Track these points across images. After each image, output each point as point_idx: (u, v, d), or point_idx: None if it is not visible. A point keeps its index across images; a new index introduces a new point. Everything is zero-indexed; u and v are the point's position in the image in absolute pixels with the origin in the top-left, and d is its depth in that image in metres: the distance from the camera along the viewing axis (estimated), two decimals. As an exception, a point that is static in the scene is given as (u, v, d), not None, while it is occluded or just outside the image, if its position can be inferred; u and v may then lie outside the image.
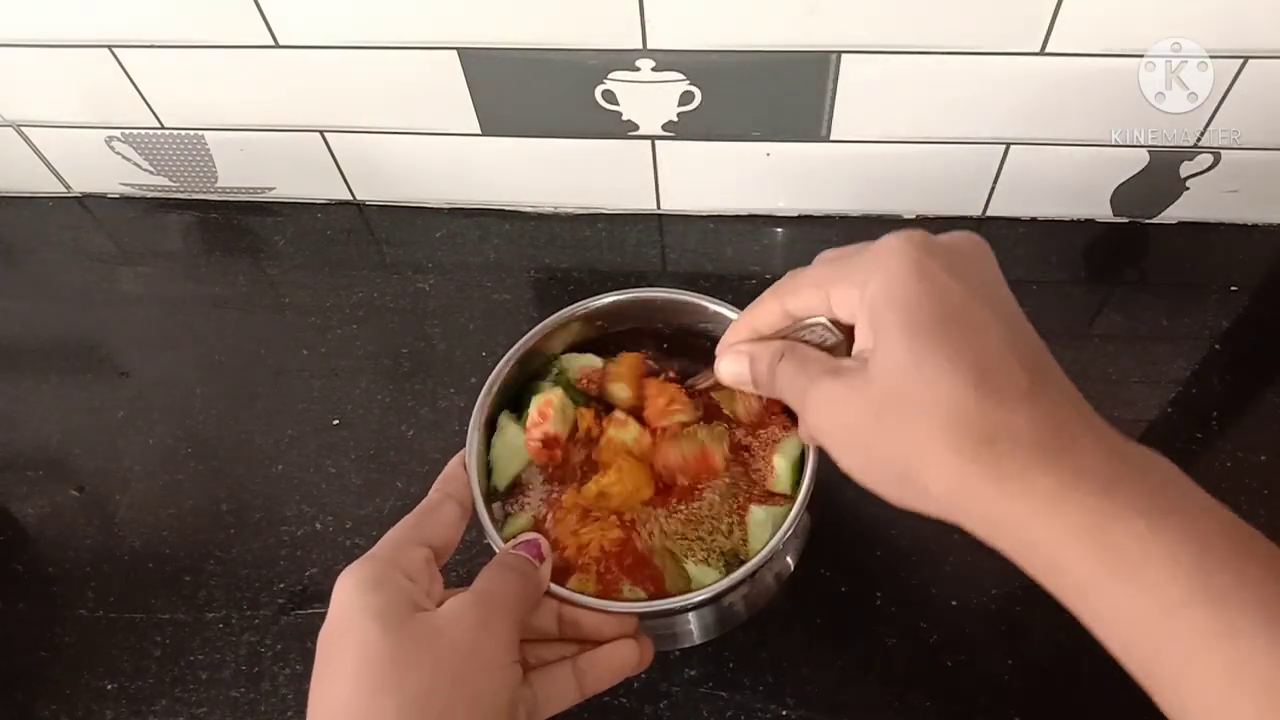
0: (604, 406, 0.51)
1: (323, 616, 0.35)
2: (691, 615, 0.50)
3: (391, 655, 0.34)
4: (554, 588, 0.42)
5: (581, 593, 0.43)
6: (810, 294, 0.36)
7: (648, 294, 0.52)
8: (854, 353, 0.34)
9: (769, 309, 0.38)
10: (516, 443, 0.49)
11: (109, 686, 0.53)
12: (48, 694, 0.53)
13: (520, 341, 0.51)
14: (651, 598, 0.44)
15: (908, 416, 0.30)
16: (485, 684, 0.35)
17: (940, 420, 0.29)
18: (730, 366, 0.40)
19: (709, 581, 0.44)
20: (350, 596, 0.36)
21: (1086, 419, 0.30)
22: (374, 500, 0.59)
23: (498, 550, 0.42)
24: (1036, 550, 0.29)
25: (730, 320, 0.44)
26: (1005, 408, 0.29)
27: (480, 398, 0.49)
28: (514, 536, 0.43)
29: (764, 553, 0.43)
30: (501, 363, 0.50)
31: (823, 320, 0.36)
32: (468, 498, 0.43)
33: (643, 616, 0.43)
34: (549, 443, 0.48)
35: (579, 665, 0.40)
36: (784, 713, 0.50)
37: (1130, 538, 0.27)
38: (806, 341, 0.37)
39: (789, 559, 0.53)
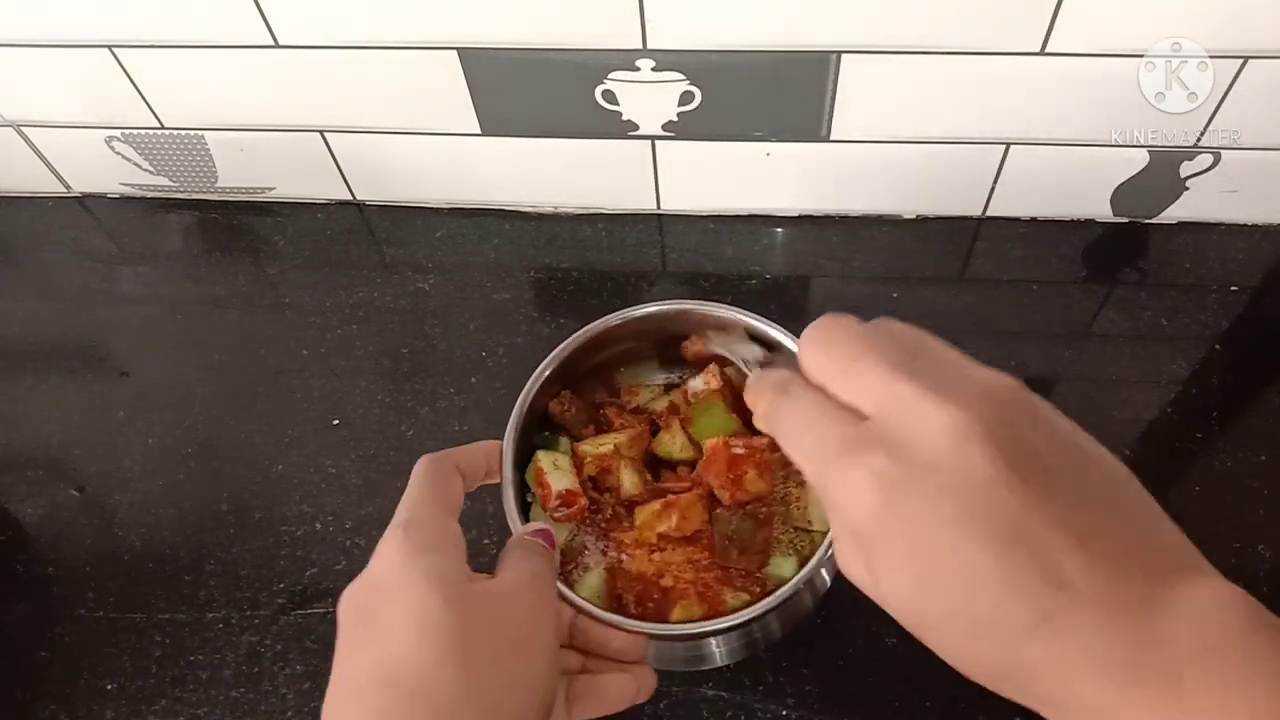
0: (596, 416, 0.51)
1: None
2: (720, 638, 0.49)
3: (454, 623, 0.32)
4: (567, 593, 0.41)
5: (686, 620, 0.43)
6: (844, 383, 0.29)
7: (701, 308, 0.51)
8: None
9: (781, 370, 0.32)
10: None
11: (109, 686, 0.54)
12: (48, 694, 0.53)
13: (570, 339, 0.50)
14: (753, 599, 0.44)
15: (967, 548, 0.25)
16: (538, 662, 0.35)
17: (1013, 556, 0.25)
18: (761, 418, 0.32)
19: (789, 574, 0.44)
20: (399, 557, 0.34)
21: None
22: (374, 500, 0.59)
23: (515, 533, 0.42)
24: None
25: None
26: (1095, 557, 0.24)
27: (524, 392, 0.48)
28: (588, 598, 0.43)
29: (795, 580, 0.43)
30: (556, 352, 0.50)
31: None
32: (474, 475, 0.42)
33: (655, 638, 0.43)
34: (568, 499, 0.47)
35: (573, 687, 0.39)
36: (784, 713, 0.50)
37: None
38: None
39: (825, 574, 0.50)
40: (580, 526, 0.48)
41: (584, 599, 0.42)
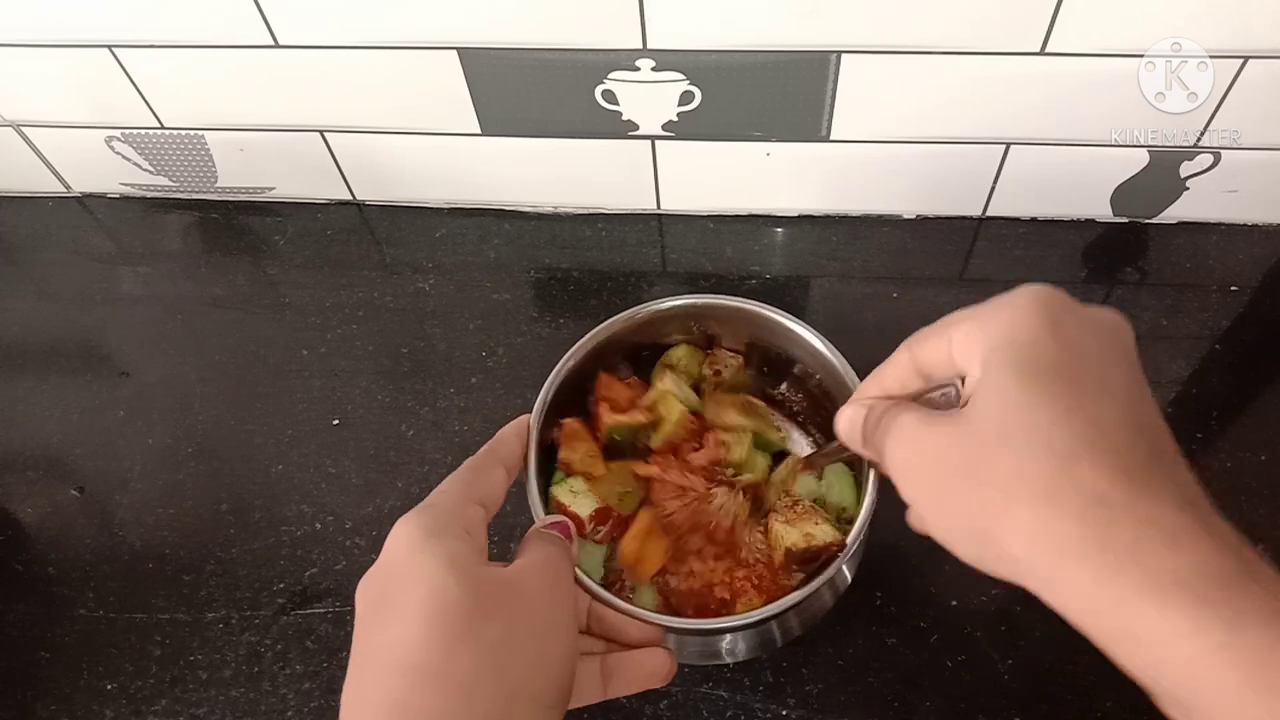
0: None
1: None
2: (740, 635, 0.49)
3: (469, 604, 0.33)
4: (584, 579, 0.41)
5: (747, 609, 0.43)
6: (934, 340, 0.32)
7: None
8: (961, 400, 0.31)
9: (898, 362, 0.35)
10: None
11: (109, 686, 0.53)
12: (48, 694, 0.53)
13: (592, 333, 0.50)
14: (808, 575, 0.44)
15: (1005, 460, 0.27)
16: (555, 645, 0.35)
17: (1043, 470, 0.27)
18: (847, 416, 0.36)
19: (828, 538, 0.45)
20: (415, 542, 0.34)
21: (1208, 513, 0.27)
22: (374, 500, 0.59)
23: (538, 521, 0.42)
24: (1138, 642, 0.26)
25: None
26: (1125, 474, 0.26)
27: (550, 378, 0.48)
28: (645, 606, 0.43)
29: (817, 582, 0.42)
30: (577, 346, 0.49)
31: (955, 385, 0.32)
32: (516, 464, 0.42)
33: (676, 632, 0.43)
34: (600, 518, 0.47)
35: (608, 663, 0.39)
36: (784, 713, 0.50)
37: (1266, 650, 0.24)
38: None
39: (846, 572, 0.49)
40: (613, 548, 0.47)
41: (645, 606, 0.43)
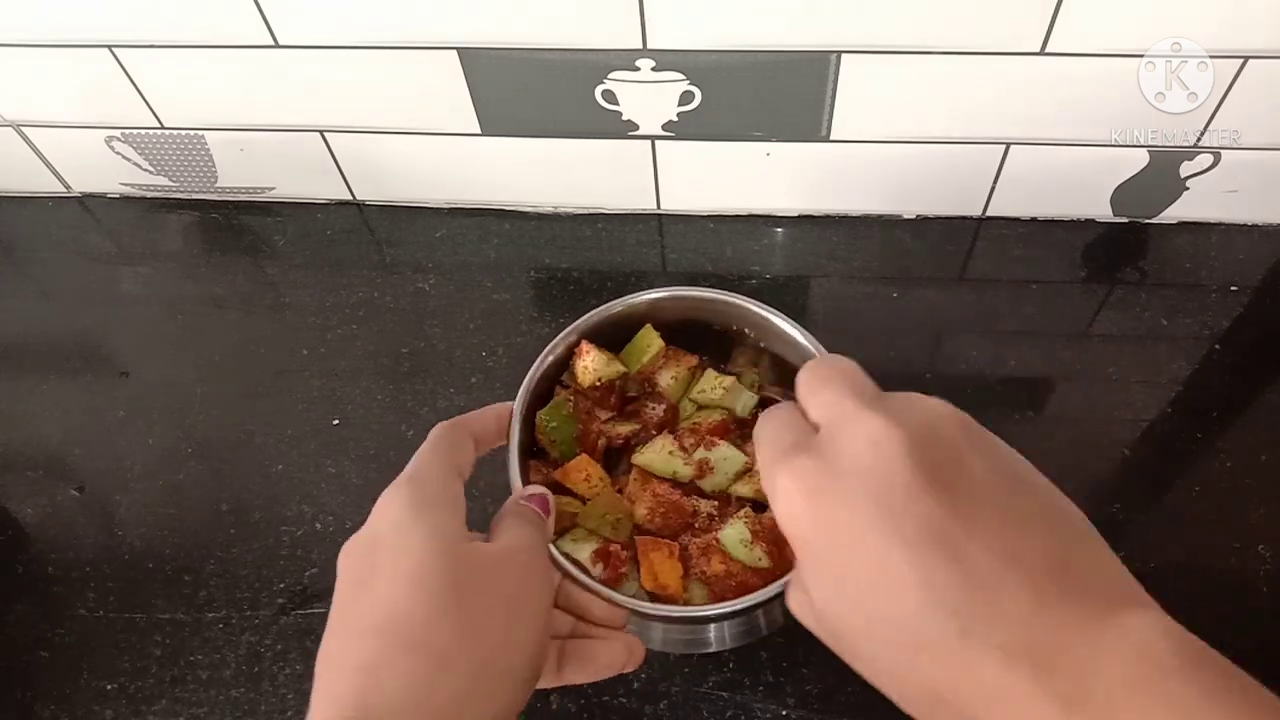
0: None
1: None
2: (714, 626, 0.49)
3: (452, 578, 0.33)
4: (555, 555, 0.41)
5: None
6: (807, 406, 0.31)
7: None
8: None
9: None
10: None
11: (109, 686, 0.54)
12: (48, 694, 0.53)
13: (575, 324, 0.50)
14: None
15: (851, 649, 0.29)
16: (529, 622, 0.35)
17: (881, 670, 0.28)
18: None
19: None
20: (402, 512, 0.35)
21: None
22: (374, 500, 0.59)
23: (515, 493, 0.42)
24: None
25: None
26: (943, 666, 0.25)
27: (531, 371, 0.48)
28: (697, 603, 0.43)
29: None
30: (555, 341, 0.50)
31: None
32: (487, 439, 0.43)
33: (652, 619, 0.43)
34: (599, 558, 0.45)
35: (565, 649, 0.40)
36: (784, 713, 0.50)
37: None
38: None
39: None
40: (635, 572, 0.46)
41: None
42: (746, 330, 0.52)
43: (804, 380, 0.31)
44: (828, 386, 0.30)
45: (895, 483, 0.26)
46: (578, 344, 0.49)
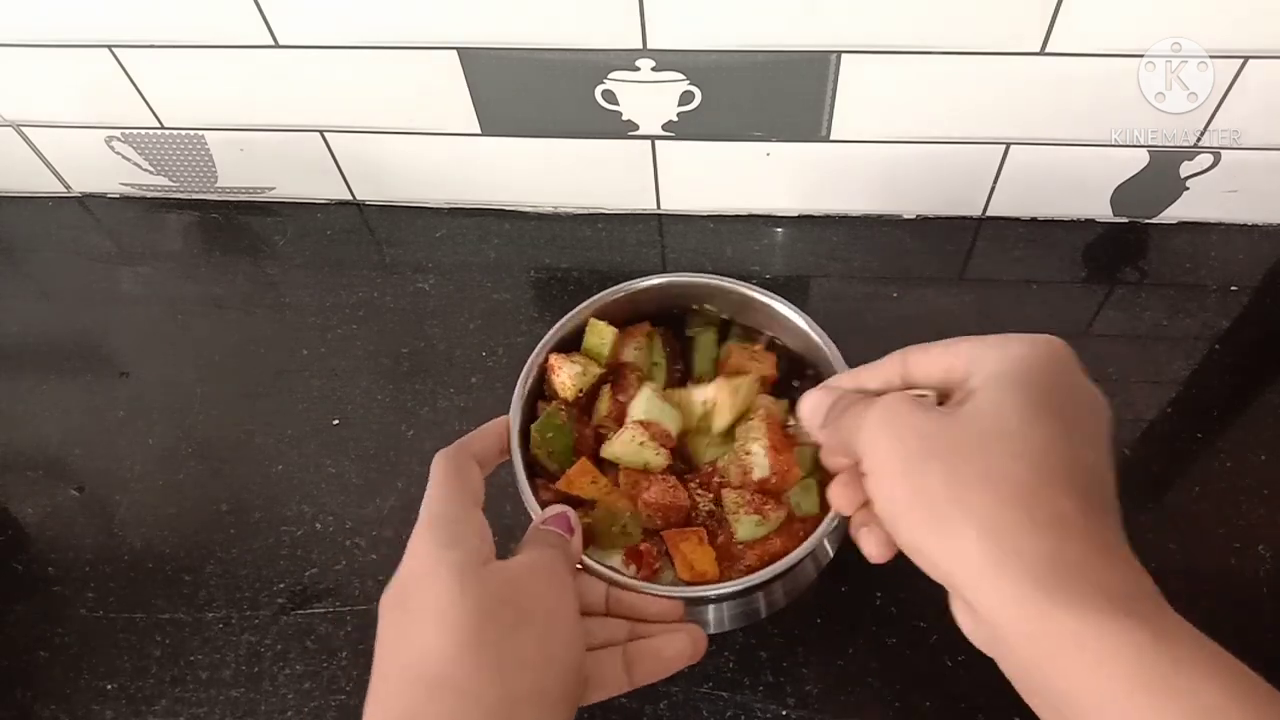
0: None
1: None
2: (726, 605, 0.50)
3: (471, 608, 0.34)
4: (595, 566, 0.42)
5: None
6: (936, 353, 0.35)
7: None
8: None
9: (886, 365, 0.37)
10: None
11: (109, 686, 0.53)
12: (48, 694, 0.53)
13: (564, 319, 0.51)
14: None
15: (990, 456, 0.30)
16: (556, 639, 0.36)
17: (1020, 477, 0.29)
18: (813, 400, 0.38)
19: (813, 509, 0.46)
20: (426, 557, 0.36)
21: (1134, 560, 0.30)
22: (374, 500, 0.59)
23: (535, 519, 0.42)
24: (1049, 645, 0.28)
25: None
26: (1086, 505, 0.29)
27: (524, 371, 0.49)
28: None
29: (801, 549, 0.43)
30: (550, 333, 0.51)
31: (932, 395, 0.34)
32: (489, 459, 0.43)
33: (688, 603, 0.43)
34: (631, 559, 0.46)
35: (629, 653, 0.40)
36: (784, 713, 0.50)
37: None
38: None
39: (828, 546, 0.52)
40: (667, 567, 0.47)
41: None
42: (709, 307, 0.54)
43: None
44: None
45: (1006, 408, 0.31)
46: (546, 361, 0.50)
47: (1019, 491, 0.29)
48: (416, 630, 0.34)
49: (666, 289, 0.54)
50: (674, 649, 0.40)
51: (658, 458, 0.47)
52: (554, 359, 0.50)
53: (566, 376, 0.49)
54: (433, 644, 0.33)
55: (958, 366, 0.34)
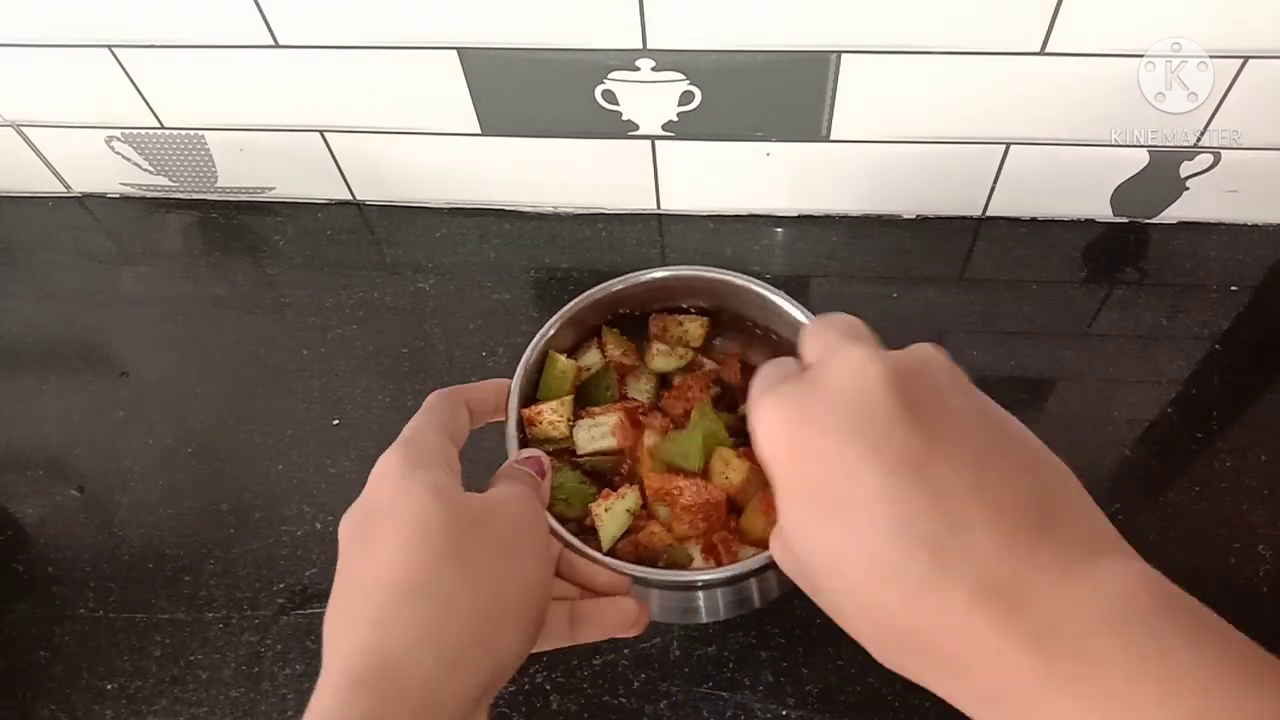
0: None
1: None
2: (704, 594, 0.49)
3: (451, 526, 0.34)
4: (555, 525, 0.42)
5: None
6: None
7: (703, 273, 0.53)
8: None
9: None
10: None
11: (109, 686, 0.54)
12: (48, 694, 0.53)
13: (568, 305, 0.51)
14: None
15: (826, 594, 0.28)
16: (529, 565, 0.36)
17: (846, 609, 0.27)
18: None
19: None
20: (399, 472, 0.36)
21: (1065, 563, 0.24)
22: (374, 500, 0.59)
23: (511, 456, 0.43)
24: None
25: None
26: (908, 600, 0.25)
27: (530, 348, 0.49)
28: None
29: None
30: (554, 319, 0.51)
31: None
32: (481, 412, 0.43)
33: (646, 583, 0.43)
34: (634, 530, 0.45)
35: (576, 609, 0.40)
36: (784, 713, 0.50)
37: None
38: None
39: None
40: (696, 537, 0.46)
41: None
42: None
43: (804, 330, 0.32)
44: (824, 331, 0.30)
45: (876, 408, 0.26)
46: (520, 417, 0.47)
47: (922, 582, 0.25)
48: (390, 542, 0.34)
49: (664, 282, 0.54)
50: (618, 614, 0.40)
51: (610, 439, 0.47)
52: (529, 410, 0.48)
53: (551, 425, 0.47)
54: (409, 555, 0.33)
55: (812, 360, 0.31)
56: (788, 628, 0.53)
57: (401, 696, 0.31)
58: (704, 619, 0.50)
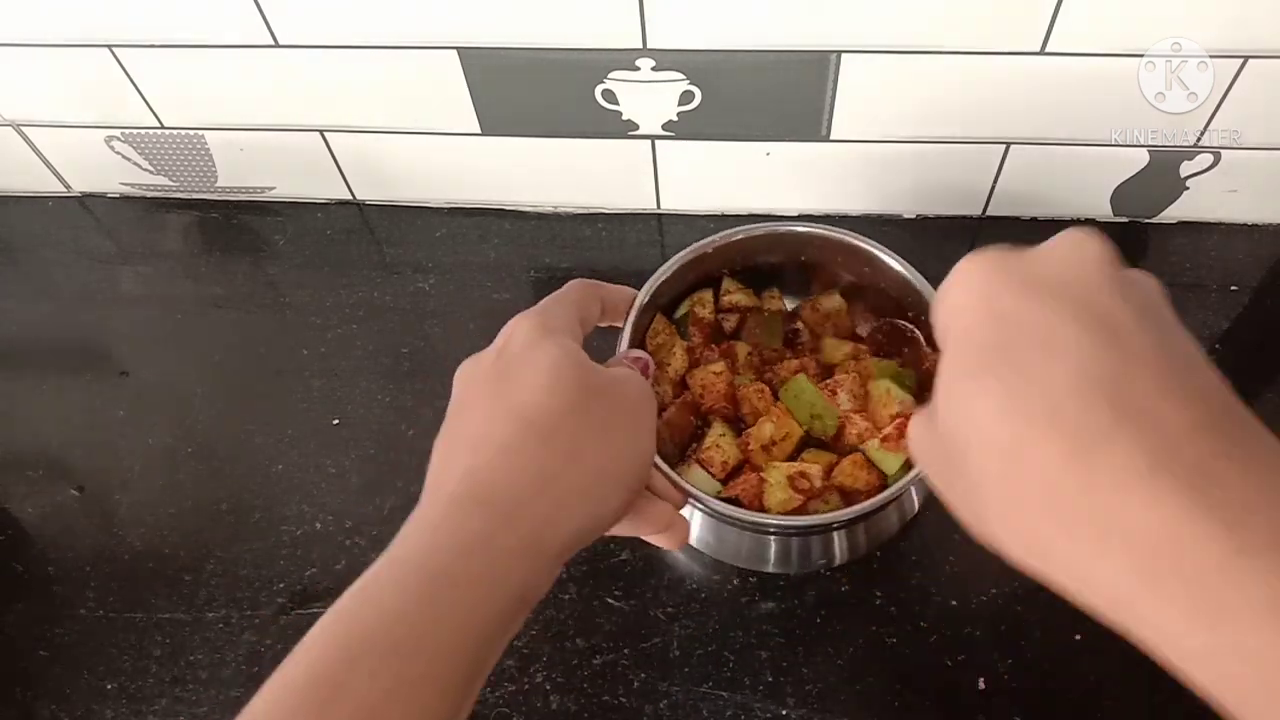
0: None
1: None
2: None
3: (584, 386, 0.36)
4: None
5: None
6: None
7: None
8: None
9: None
10: None
11: (109, 686, 0.54)
12: (48, 694, 0.53)
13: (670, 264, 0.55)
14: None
15: (967, 461, 0.26)
16: (647, 443, 0.38)
17: (996, 468, 0.25)
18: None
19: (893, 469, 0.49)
20: (535, 332, 0.38)
21: (1197, 458, 0.23)
22: (374, 500, 0.59)
23: (620, 352, 0.47)
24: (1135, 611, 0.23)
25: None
26: (1074, 452, 0.23)
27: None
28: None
29: (900, 484, 0.46)
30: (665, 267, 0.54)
31: None
32: (613, 310, 0.46)
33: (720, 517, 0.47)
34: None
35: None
36: (784, 713, 0.50)
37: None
38: None
39: (914, 494, 0.55)
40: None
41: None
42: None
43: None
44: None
45: (1088, 275, 0.27)
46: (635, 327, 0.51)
47: (1002, 487, 0.26)
48: (529, 383, 0.35)
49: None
50: (658, 514, 0.41)
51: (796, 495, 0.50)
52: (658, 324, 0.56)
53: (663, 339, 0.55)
54: (547, 400, 0.35)
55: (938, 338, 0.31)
56: (788, 628, 0.53)
57: (512, 525, 0.33)
58: (771, 568, 0.53)
